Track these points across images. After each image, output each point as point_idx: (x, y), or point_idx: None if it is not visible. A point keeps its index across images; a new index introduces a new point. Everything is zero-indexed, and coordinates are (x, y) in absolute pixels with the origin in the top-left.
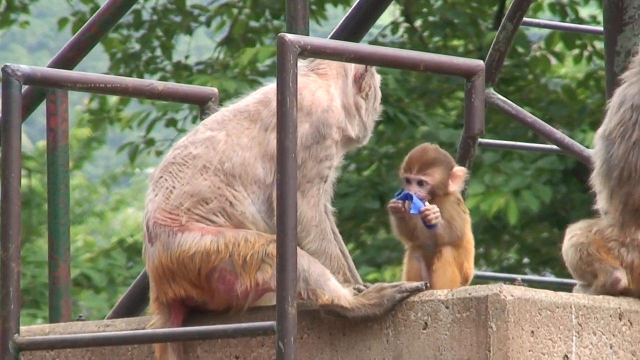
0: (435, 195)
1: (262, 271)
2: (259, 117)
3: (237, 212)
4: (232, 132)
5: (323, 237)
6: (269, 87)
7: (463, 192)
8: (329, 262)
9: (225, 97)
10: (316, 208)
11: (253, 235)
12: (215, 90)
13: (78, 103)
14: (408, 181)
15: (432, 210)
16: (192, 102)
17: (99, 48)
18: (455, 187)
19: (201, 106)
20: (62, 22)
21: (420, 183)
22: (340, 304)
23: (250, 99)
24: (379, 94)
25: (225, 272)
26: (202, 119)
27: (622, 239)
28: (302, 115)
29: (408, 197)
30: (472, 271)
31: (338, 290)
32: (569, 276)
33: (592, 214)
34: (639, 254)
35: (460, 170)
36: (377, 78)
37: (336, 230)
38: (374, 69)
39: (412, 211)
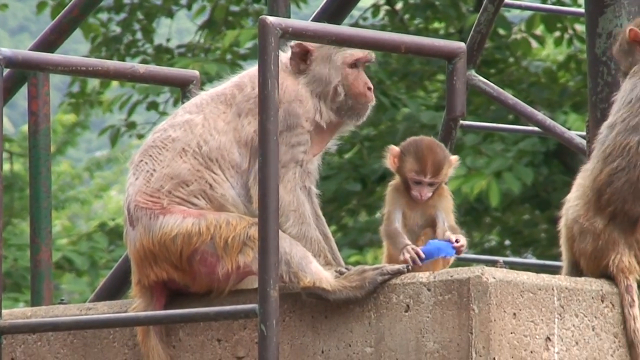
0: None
1: (243, 254)
2: (233, 101)
3: (217, 195)
4: (209, 116)
5: (302, 221)
6: (248, 71)
7: None
8: (309, 246)
9: (207, 80)
10: (293, 192)
11: (235, 218)
12: (196, 73)
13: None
14: (418, 182)
15: (463, 243)
16: (173, 85)
17: (80, 31)
18: (451, 173)
19: (182, 89)
20: (41, 5)
21: (432, 184)
22: (322, 287)
23: (229, 83)
24: (326, 76)
25: (206, 254)
26: (183, 102)
27: (581, 220)
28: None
29: (435, 253)
30: None
31: (320, 273)
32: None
33: None
34: (592, 241)
35: (455, 159)
36: (331, 61)
37: (320, 213)
38: (324, 52)
39: (452, 256)
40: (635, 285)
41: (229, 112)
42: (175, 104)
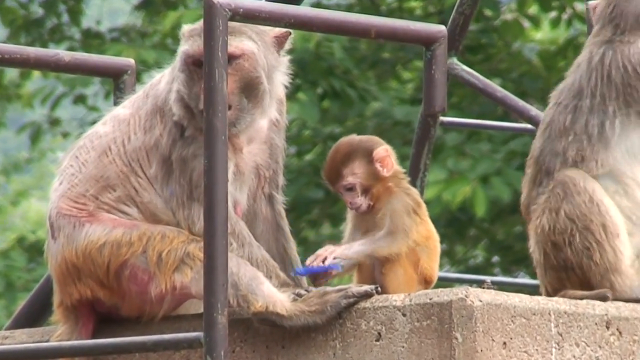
0: (375, 190)
1: (180, 273)
2: (150, 93)
3: (145, 201)
4: (136, 112)
5: (243, 243)
6: None
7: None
8: (256, 268)
9: (144, 69)
10: None
11: (172, 232)
12: (131, 61)
13: None
14: (340, 192)
15: (323, 255)
16: (104, 76)
17: None
18: (389, 169)
19: (115, 80)
20: None
21: (350, 188)
22: (276, 311)
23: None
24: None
25: (137, 269)
26: (116, 95)
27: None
28: (168, 111)
29: (309, 272)
30: (436, 272)
31: (273, 296)
32: None
33: None
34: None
35: (381, 150)
36: (183, 48)
37: (282, 224)
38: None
39: (336, 269)
40: None
41: (149, 107)
42: (107, 97)
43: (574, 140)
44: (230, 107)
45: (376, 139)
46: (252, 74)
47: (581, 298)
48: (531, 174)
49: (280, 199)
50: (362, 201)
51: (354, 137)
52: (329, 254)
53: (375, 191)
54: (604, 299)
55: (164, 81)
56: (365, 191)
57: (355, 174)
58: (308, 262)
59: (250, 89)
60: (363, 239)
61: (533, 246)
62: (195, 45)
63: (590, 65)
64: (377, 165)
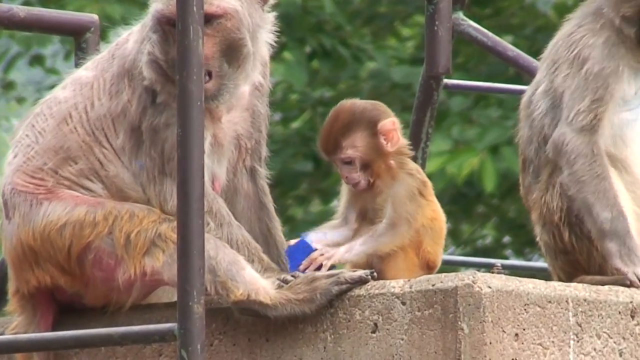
0: (376, 166)
1: (151, 256)
2: (117, 54)
3: (110, 174)
4: (100, 75)
5: (221, 223)
6: None
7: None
8: (237, 251)
9: (109, 26)
10: None
11: (142, 210)
12: (94, 17)
13: None
14: (336, 164)
15: (319, 260)
16: (64, 34)
17: None
18: (394, 144)
19: (77, 38)
20: None
21: (348, 162)
22: (259, 300)
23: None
24: (151, 30)
25: (102, 252)
26: (77, 56)
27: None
28: (138, 74)
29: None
30: (439, 256)
31: (256, 282)
32: None
33: None
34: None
35: (388, 123)
36: (157, 6)
37: (265, 201)
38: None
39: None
40: None
41: (115, 70)
42: (67, 58)
43: (534, 122)
44: (210, 75)
45: (382, 107)
46: (234, 35)
47: (601, 283)
48: (521, 162)
49: (263, 172)
50: (360, 177)
51: (357, 103)
52: (325, 260)
53: (376, 167)
54: (627, 284)
55: (133, 40)
56: (365, 166)
57: (355, 147)
58: (302, 267)
59: (233, 52)
60: (363, 237)
61: (540, 231)
62: (171, 4)
63: (557, 37)
64: (382, 139)
